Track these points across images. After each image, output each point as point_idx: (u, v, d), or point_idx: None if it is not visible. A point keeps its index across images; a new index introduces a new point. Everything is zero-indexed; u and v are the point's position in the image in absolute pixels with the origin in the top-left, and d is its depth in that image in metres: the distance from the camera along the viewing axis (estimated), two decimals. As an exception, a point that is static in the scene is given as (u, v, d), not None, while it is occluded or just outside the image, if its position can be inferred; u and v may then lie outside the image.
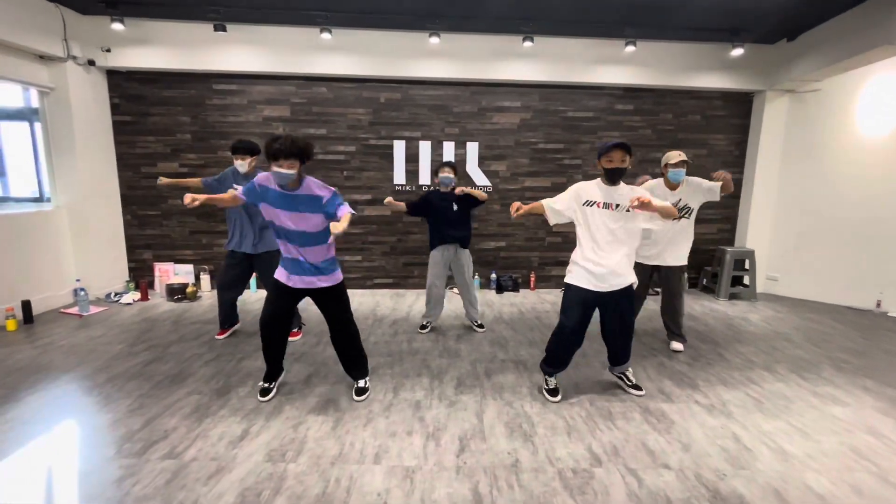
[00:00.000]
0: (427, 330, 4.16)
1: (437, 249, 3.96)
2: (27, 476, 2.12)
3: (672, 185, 3.57)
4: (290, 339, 3.44)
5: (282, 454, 2.30)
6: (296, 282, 2.69)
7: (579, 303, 2.74)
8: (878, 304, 5.07)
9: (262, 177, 2.56)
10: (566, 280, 2.81)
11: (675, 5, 4.29)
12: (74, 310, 4.57)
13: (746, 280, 5.69)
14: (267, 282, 3.44)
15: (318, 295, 2.76)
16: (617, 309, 2.81)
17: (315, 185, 2.57)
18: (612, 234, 2.66)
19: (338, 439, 2.44)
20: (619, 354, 2.98)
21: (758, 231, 5.84)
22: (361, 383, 2.95)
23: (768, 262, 5.88)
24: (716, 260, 5.77)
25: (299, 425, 2.57)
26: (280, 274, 2.73)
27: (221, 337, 3.92)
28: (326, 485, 2.08)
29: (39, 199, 5.66)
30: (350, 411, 2.74)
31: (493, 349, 3.79)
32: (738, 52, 4.98)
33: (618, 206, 2.67)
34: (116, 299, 4.99)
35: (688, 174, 3.52)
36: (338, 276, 2.78)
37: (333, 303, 2.80)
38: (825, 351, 3.89)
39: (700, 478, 2.18)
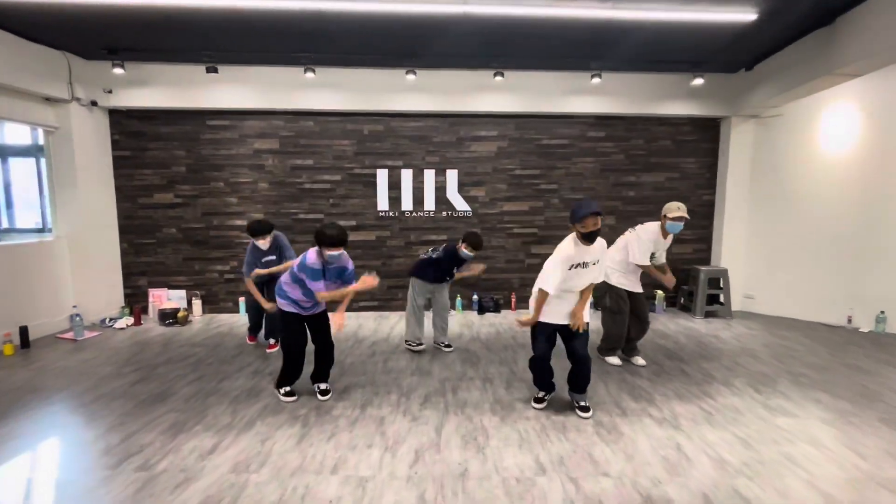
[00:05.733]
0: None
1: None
2: (11, 487, 2.30)
3: (666, 234, 3.83)
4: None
5: (246, 466, 2.47)
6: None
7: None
8: (850, 320, 5.18)
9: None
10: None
11: (631, 41, 4.59)
12: (69, 335, 4.79)
13: (723, 298, 5.82)
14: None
15: None
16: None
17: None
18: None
19: (300, 451, 2.60)
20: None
21: (731, 250, 6.00)
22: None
23: (744, 280, 6.02)
24: (691, 279, 5.92)
25: (266, 440, 2.74)
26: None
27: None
28: (283, 493, 2.24)
29: (42, 230, 5.97)
30: (316, 426, 2.90)
31: (463, 368, 3.95)
32: (698, 81, 5.27)
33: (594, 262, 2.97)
34: (111, 324, 5.22)
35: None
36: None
37: None
38: (787, 366, 4.00)
39: (636, 485, 2.31)
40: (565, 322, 3.00)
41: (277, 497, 2.21)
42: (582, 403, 3.09)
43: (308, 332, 3.31)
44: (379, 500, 2.19)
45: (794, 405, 3.23)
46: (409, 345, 4.37)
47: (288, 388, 3.31)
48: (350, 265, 3.17)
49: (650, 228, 3.80)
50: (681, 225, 3.72)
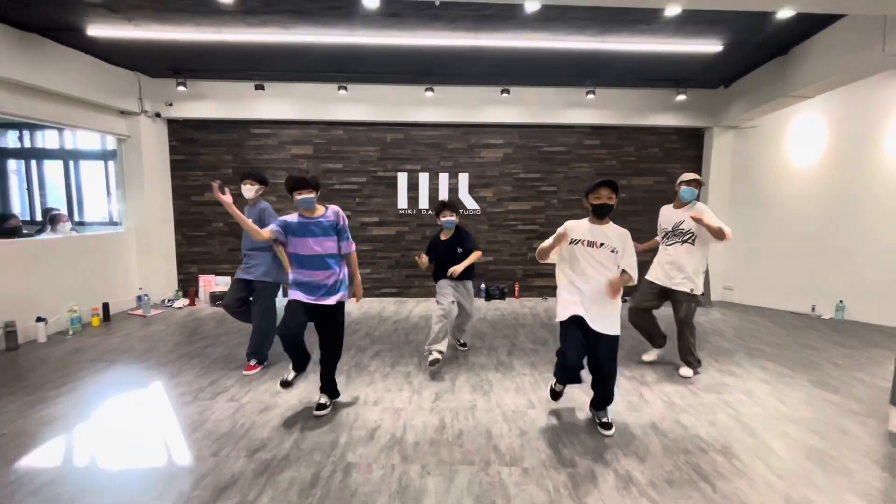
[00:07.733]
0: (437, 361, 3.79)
1: (442, 280, 4.03)
2: (139, 413, 3.14)
3: (680, 204, 3.76)
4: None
5: (309, 399, 3.28)
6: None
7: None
8: (813, 309, 5.87)
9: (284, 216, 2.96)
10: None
11: (621, 64, 5.32)
12: (139, 312, 5.67)
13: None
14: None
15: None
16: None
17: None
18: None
19: (347, 393, 3.41)
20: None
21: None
22: (324, 399, 3.11)
23: (724, 273, 6.73)
24: (676, 272, 6.62)
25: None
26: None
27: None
28: (340, 416, 3.04)
29: (108, 224, 6.87)
30: (357, 377, 3.71)
31: (472, 340, 4.73)
32: (681, 97, 5.98)
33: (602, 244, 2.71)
34: (170, 304, 6.09)
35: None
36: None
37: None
38: (746, 343, 4.73)
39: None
40: (580, 312, 2.70)
41: (335, 417, 3.01)
42: (603, 420, 2.88)
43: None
44: (411, 421, 2.99)
45: (742, 370, 3.97)
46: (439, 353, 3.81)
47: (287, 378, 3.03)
48: (342, 221, 2.98)
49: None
50: (693, 190, 3.62)
